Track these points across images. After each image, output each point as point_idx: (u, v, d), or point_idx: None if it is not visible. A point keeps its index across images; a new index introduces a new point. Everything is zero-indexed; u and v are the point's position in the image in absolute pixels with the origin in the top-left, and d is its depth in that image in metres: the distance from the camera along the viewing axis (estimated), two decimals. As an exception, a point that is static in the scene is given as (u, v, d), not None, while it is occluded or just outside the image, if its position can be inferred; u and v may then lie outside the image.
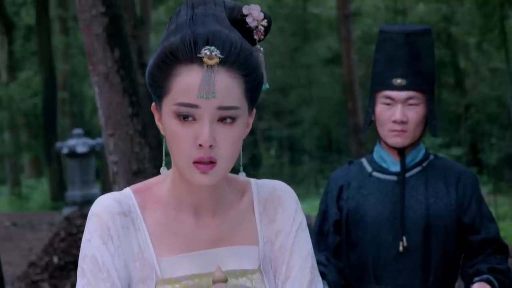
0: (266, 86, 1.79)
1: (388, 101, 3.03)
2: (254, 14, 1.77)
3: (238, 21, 1.78)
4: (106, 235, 1.76)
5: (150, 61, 1.73)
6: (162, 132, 1.77)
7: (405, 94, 3.01)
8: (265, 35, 1.80)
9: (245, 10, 1.77)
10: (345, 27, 16.35)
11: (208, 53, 1.66)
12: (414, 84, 3.01)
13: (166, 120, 1.72)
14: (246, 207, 1.84)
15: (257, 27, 1.77)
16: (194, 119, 1.68)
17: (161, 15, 25.68)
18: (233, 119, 1.69)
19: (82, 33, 5.13)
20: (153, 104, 1.78)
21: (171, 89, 1.69)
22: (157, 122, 1.79)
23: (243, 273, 1.79)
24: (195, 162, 1.69)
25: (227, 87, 1.67)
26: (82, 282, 1.76)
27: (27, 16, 26.18)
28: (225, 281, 1.69)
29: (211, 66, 1.66)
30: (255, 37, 1.78)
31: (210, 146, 1.67)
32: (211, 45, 1.66)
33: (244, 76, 1.70)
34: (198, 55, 1.66)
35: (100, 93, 5.02)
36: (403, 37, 3.03)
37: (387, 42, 3.06)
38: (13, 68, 24.87)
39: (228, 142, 1.69)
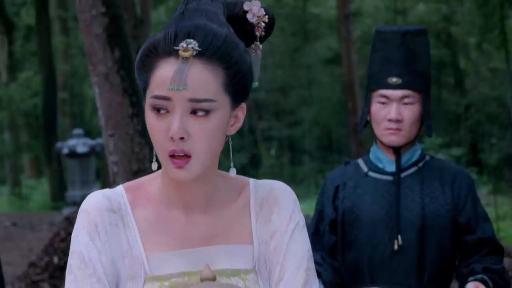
0: (255, 84, 1.79)
1: (384, 100, 3.03)
2: (254, 10, 1.77)
3: (240, 18, 1.78)
4: (94, 231, 1.75)
5: (137, 56, 1.74)
6: None
7: (400, 92, 3.02)
8: (268, 32, 1.80)
9: (245, 7, 1.77)
10: (345, 27, 16.35)
11: (184, 45, 1.66)
12: (410, 83, 3.02)
13: (146, 114, 1.72)
14: (242, 206, 1.82)
15: (258, 23, 1.77)
16: (168, 112, 1.68)
17: (161, 15, 25.69)
18: (207, 111, 1.68)
19: (82, 33, 5.13)
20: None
21: (149, 83, 1.70)
22: None
23: (236, 272, 1.77)
24: (171, 156, 1.68)
25: (201, 79, 1.66)
26: (69, 278, 1.76)
27: (27, 16, 26.17)
28: (213, 279, 1.67)
29: (186, 59, 1.66)
30: (256, 33, 1.78)
31: (182, 138, 1.67)
32: (191, 38, 1.67)
33: (224, 69, 1.68)
34: (175, 47, 1.67)
35: (100, 93, 5.02)
36: (398, 37, 3.04)
37: (383, 42, 3.07)
38: (13, 68, 24.86)
39: (202, 135, 1.68)
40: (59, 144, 14.78)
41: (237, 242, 1.79)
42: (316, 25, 25.94)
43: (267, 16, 1.78)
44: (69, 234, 8.99)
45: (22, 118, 24.85)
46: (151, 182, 1.81)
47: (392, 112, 3.00)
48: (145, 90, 1.72)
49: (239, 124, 1.77)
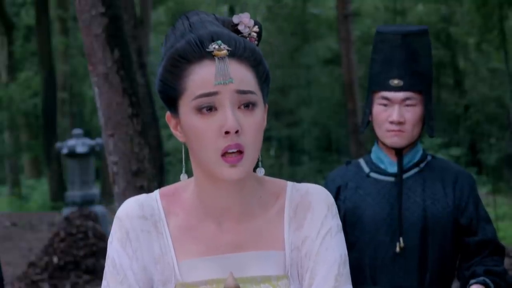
0: None
1: (385, 101, 3.02)
2: (245, 21, 1.80)
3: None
4: (125, 238, 1.79)
5: (159, 70, 1.75)
6: (180, 139, 1.78)
7: (402, 94, 3.01)
8: (258, 42, 1.83)
9: (235, 19, 1.80)
10: (344, 27, 16.37)
11: (216, 46, 1.71)
12: (411, 85, 3.01)
13: (186, 120, 1.73)
14: (277, 211, 1.82)
15: (249, 34, 1.80)
16: (216, 109, 1.70)
17: (161, 15, 25.71)
18: (254, 104, 1.72)
19: (82, 33, 5.14)
20: (167, 113, 1.79)
21: (186, 88, 1.72)
22: (173, 131, 1.79)
23: (266, 279, 1.77)
24: (223, 156, 1.70)
25: (242, 73, 1.72)
26: (103, 283, 1.80)
27: (27, 17, 26.18)
28: None
29: (222, 58, 1.70)
30: None
31: (236, 132, 1.69)
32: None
33: (254, 67, 1.74)
34: (207, 49, 1.70)
35: (100, 93, 5.02)
36: (399, 38, 3.02)
37: (383, 43, 3.05)
38: (13, 68, 24.86)
39: (252, 128, 1.72)
40: (58, 144, 14.76)
41: (268, 248, 1.79)
42: (316, 25, 25.94)
43: (257, 26, 1.81)
44: (69, 234, 9.00)
45: (22, 118, 24.86)
46: (185, 189, 1.83)
47: (394, 114, 2.99)
48: (175, 99, 1.74)
49: (265, 124, 1.80)
